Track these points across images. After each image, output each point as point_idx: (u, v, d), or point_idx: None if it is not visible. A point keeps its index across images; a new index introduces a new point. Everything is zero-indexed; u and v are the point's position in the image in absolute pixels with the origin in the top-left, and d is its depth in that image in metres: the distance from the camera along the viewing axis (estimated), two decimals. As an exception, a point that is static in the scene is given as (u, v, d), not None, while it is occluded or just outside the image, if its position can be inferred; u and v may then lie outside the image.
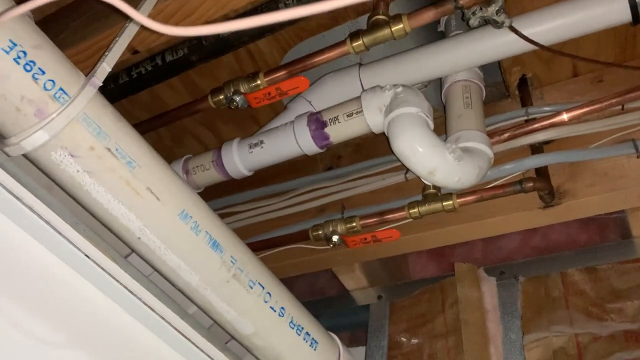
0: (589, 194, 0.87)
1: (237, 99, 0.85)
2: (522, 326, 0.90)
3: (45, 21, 1.01)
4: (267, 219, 1.21)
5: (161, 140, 1.31)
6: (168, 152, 1.20)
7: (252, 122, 1.22)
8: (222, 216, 1.28)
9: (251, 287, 0.76)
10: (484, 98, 0.97)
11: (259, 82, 0.84)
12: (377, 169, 1.11)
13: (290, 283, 1.43)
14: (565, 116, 0.91)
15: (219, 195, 1.32)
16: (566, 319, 0.88)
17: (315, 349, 0.85)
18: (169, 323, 0.70)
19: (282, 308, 0.80)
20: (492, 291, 0.96)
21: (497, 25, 0.75)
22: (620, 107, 0.92)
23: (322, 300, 1.26)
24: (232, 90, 0.85)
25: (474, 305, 0.93)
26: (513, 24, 0.84)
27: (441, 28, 1.04)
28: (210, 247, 0.69)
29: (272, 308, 0.78)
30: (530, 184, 0.85)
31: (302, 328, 0.83)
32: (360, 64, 0.99)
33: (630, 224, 0.91)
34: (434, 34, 1.04)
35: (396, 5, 0.95)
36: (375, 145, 1.15)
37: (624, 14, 0.82)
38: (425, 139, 0.78)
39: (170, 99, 1.16)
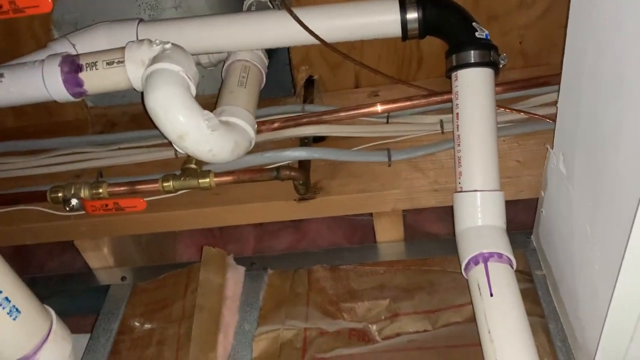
0: (341, 192, 0.89)
1: (-38, 7, 0.71)
2: (259, 317, 0.88)
3: None
4: (15, 177, 1.05)
5: None
6: None
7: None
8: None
9: None
10: (263, 84, 0.95)
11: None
12: (148, 142, 1.03)
13: (33, 252, 1.27)
14: (334, 115, 0.93)
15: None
16: (303, 315, 0.88)
17: (15, 319, 0.73)
18: None
19: (-25, 264, 0.67)
20: (237, 280, 0.92)
21: (273, 3, 0.73)
22: (386, 119, 0.97)
23: (70, 276, 1.11)
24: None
25: (213, 291, 0.88)
26: (298, 14, 0.85)
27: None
28: None
29: (-42, 262, 0.65)
30: (286, 172, 0.84)
31: (0, 292, 0.71)
32: (141, 20, 0.92)
33: (376, 229, 0.95)
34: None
35: None
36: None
37: (396, 28, 0.87)
38: (179, 99, 0.73)
39: None
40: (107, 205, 0.85)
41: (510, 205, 0.86)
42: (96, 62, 0.79)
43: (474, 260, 0.74)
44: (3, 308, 0.71)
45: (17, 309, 0.73)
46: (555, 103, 0.73)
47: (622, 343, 0.57)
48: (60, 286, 1.04)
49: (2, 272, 0.71)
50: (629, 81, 0.51)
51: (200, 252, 1.19)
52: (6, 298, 0.71)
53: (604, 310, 0.57)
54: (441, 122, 0.94)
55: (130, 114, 1.15)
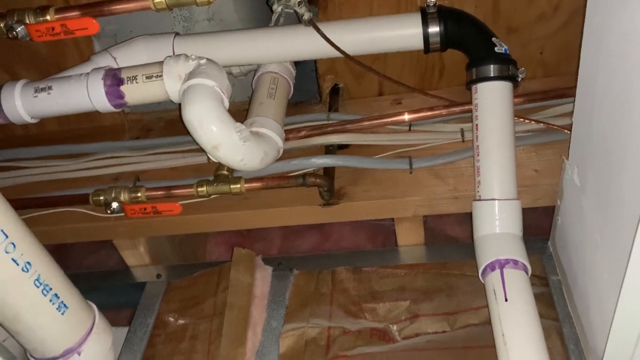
0: (364, 198, 0.93)
1: (18, 28, 0.77)
2: (285, 315, 0.93)
3: None
4: (57, 179, 1.12)
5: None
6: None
7: (58, 71, 1.13)
8: (8, 169, 1.16)
9: (-10, 233, 0.68)
10: (290, 94, 1.00)
11: (47, 17, 0.77)
12: (182, 147, 1.09)
13: (73, 250, 1.35)
14: (357, 125, 0.97)
15: (8, 145, 1.20)
16: (326, 314, 0.93)
17: (63, 313, 0.79)
18: None
19: (28, 263, 0.73)
20: (265, 279, 0.98)
21: (299, 17, 0.78)
22: (408, 127, 1.01)
23: (108, 273, 1.18)
24: (15, 18, 0.77)
25: (243, 290, 0.93)
26: (324, 29, 0.89)
27: (272, 24, 1.06)
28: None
29: (14, 260, 0.71)
30: (312, 179, 0.88)
31: (51, 289, 0.77)
32: (177, 33, 0.97)
33: (397, 233, 0.99)
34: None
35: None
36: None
37: (418, 42, 0.90)
38: (214, 112, 0.78)
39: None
40: (145, 209, 0.91)
41: (531, 210, 0.89)
42: (136, 75, 0.85)
43: (491, 266, 0.78)
44: (53, 304, 0.78)
45: (65, 305, 0.79)
46: (571, 114, 0.75)
47: (627, 349, 0.60)
48: (100, 282, 1.11)
49: (53, 272, 0.78)
50: (637, 103, 0.54)
51: (230, 250, 1.25)
52: (55, 294, 0.78)
53: (611, 317, 0.60)
54: (462, 130, 0.97)
55: (165, 120, 1.21)
